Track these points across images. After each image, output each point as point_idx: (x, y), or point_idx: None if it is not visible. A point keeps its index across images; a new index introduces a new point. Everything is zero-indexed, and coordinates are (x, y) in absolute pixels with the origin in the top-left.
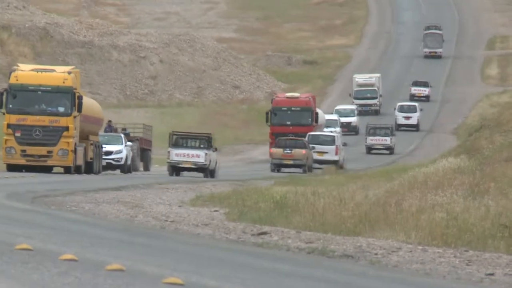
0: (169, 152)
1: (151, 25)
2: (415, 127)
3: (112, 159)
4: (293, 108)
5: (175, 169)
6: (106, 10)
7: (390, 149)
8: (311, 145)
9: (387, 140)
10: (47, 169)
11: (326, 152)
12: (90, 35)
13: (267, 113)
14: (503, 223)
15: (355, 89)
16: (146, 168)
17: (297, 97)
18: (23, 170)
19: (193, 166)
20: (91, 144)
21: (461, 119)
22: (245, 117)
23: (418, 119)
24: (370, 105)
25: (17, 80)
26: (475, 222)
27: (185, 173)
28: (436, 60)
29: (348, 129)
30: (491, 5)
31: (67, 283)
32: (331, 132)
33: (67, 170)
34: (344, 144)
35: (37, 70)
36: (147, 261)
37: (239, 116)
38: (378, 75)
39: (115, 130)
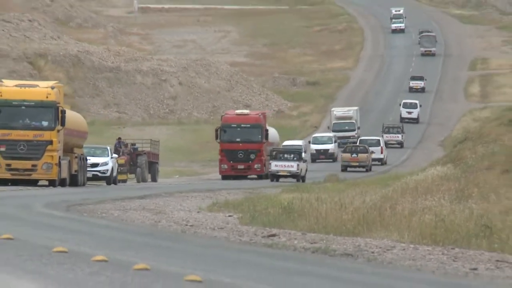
0: (270, 163)
1: (170, 51)
2: (416, 120)
3: (98, 171)
4: (242, 125)
5: (275, 177)
6: (131, 39)
7: (401, 144)
8: (370, 149)
9: (399, 137)
10: (33, 183)
11: (373, 152)
12: (117, 61)
13: (216, 130)
14: (484, 224)
15: (334, 122)
16: (154, 179)
17: (246, 114)
18: (9, 184)
19: (288, 174)
20: (76, 157)
21: (447, 133)
22: None
23: (418, 114)
24: (348, 137)
25: (1, 95)
26: (460, 223)
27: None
28: (429, 61)
29: (326, 156)
30: (473, 31)
31: (99, 282)
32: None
33: (52, 183)
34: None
35: (20, 86)
36: (170, 261)
37: None
38: (356, 108)
39: (126, 146)
